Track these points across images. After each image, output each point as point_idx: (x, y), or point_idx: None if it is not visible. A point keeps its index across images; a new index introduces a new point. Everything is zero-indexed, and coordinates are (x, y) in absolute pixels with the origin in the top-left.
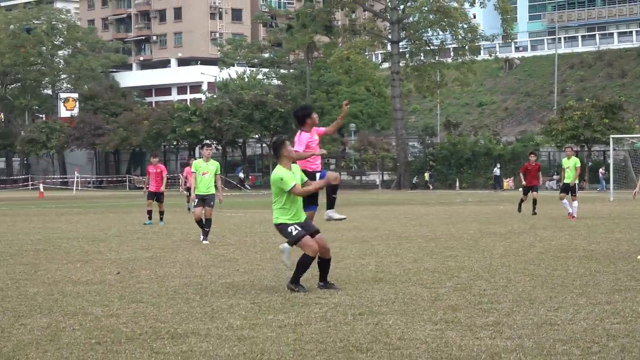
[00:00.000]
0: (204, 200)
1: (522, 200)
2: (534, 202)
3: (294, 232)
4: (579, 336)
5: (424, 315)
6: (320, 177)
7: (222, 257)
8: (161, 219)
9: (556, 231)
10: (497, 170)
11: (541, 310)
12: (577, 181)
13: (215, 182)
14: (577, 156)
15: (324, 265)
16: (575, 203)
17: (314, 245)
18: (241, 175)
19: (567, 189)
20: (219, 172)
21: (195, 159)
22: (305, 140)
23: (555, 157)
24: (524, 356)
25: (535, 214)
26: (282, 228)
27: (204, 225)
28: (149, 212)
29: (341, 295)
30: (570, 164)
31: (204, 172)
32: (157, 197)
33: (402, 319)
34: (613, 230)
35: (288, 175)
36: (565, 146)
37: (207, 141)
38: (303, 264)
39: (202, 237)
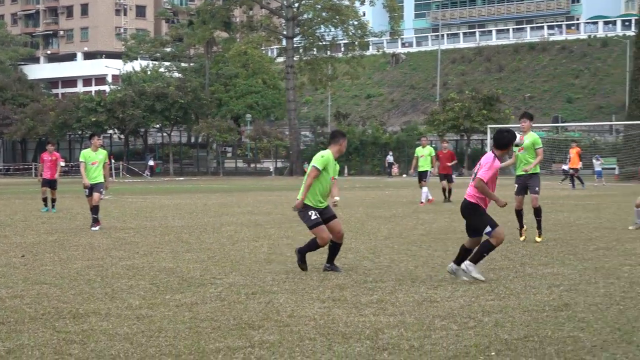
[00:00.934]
0: (93, 188)
1: (443, 189)
2: (449, 191)
3: (313, 217)
4: (456, 312)
5: (312, 293)
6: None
7: (122, 241)
8: (53, 206)
9: (437, 214)
10: (390, 158)
11: (422, 288)
12: (430, 169)
13: (103, 170)
14: (431, 146)
15: (335, 248)
16: (424, 189)
17: (326, 238)
18: (151, 162)
19: (423, 177)
20: (106, 161)
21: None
22: (496, 170)
23: (437, 145)
24: (405, 331)
25: (449, 201)
26: (305, 209)
27: (92, 212)
28: (44, 200)
29: (235, 276)
30: (425, 153)
31: (93, 161)
32: (50, 184)
33: (292, 298)
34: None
35: (329, 160)
36: (421, 136)
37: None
38: (310, 247)
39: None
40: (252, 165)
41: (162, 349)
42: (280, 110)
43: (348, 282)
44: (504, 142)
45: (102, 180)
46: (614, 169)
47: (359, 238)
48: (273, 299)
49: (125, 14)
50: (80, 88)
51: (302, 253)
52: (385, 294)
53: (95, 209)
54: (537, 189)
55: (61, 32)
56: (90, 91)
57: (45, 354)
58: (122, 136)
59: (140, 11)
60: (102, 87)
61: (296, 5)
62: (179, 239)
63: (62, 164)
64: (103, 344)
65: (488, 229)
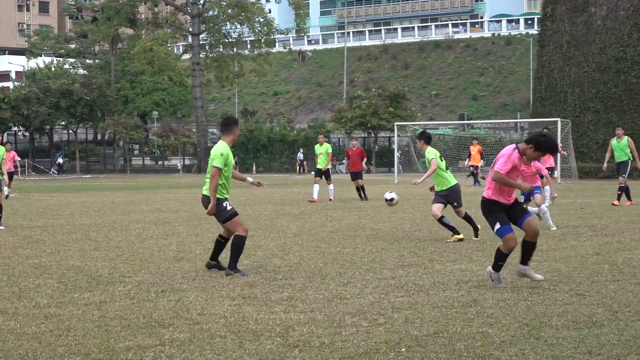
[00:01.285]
0: None
1: (357, 188)
2: (362, 188)
3: (229, 208)
4: (366, 309)
5: (222, 291)
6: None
7: (29, 239)
8: None
9: (345, 212)
10: (300, 155)
11: (332, 285)
12: (329, 166)
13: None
14: (329, 143)
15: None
16: (331, 187)
17: (246, 228)
18: (60, 160)
19: (321, 174)
20: (4, 158)
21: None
22: (516, 162)
23: (345, 142)
24: (315, 328)
25: (366, 199)
26: (217, 203)
27: None
28: None
29: (144, 274)
30: (322, 150)
31: None
32: None
33: (202, 295)
34: (397, 211)
35: (229, 154)
36: (319, 135)
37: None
38: (237, 245)
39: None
40: (160, 162)
41: (72, 348)
42: (187, 108)
43: (258, 279)
44: (544, 145)
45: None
46: None
47: (268, 235)
48: (183, 296)
49: (28, 10)
50: None
51: (233, 268)
52: (295, 291)
53: None
54: (455, 204)
55: None
56: None
57: None
58: (27, 133)
59: (44, 7)
60: (5, 84)
61: (201, 2)
62: (86, 237)
63: None
64: (11, 344)
65: (497, 226)
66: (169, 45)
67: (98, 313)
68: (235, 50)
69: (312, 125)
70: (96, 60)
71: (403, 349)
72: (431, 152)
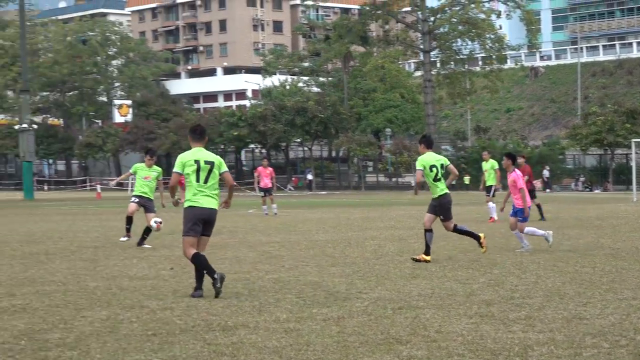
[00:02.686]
0: (144, 204)
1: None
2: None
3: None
4: (607, 330)
5: (459, 309)
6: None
7: (268, 254)
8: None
9: (582, 230)
10: (546, 172)
11: (570, 305)
12: (494, 182)
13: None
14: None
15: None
16: (490, 204)
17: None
18: (310, 177)
19: (489, 191)
20: (160, 178)
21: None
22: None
23: (580, 160)
24: (555, 348)
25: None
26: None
27: (126, 221)
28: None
29: (381, 290)
30: (488, 167)
31: (146, 176)
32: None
33: (439, 313)
34: (637, 229)
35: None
36: (483, 152)
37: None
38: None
39: (125, 237)
40: (394, 179)
41: None
42: (420, 125)
43: (495, 297)
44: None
45: (152, 197)
46: None
47: (503, 253)
48: (420, 314)
49: (262, 30)
50: (221, 103)
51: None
52: (533, 310)
53: (129, 220)
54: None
55: (201, 48)
56: (231, 106)
57: None
58: (263, 150)
59: (278, 27)
60: (242, 102)
61: (432, 19)
62: (323, 252)
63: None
64: (253, 357)
65: None
66: (400, 62)
67: (336, 328)
68: (466, 66)
69: (546, 142)
70: (329, 78)
71: None
72: (420, 162)
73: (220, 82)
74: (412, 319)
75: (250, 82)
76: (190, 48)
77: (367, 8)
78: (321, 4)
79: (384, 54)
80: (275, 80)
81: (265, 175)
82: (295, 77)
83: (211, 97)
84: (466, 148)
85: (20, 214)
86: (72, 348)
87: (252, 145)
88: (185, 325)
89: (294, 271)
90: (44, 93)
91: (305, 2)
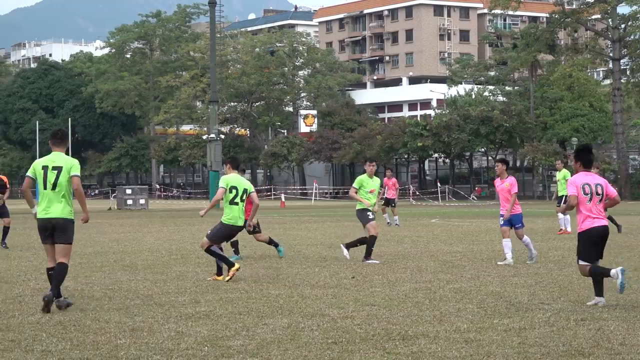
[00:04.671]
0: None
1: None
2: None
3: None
4: None
5: None
6: None
7: (449, 264)
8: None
9: None
10: None
11: None
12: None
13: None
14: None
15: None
16: (560, 215)
17: None
18: None
19: (561, 201)
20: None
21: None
22: None
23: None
24: None
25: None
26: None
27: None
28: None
29: (563, 302)
30: (560, 177)
31: (371, 189)
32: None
33: (623, 325)
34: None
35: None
36: (556, 161)
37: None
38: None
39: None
40: None
41: None
42: (608, 134)
43: None
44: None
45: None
46: None
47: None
48: (603, 325)
49: (449, 39)
50: (405, 112)
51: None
52: None
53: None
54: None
55: (387, 58)
56: (415, 115)
57: None
58: (447, 160)
59: (464, 36)
60: (426, 111)
61: (623, 26)
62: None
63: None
64: None
65: None
66: (588, 70)
67: (517, 339)
68: None
69: None
70: (515, 87)
71: None
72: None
73: (405, 92)
74: (595, 330)
75: (436, 92)
76: (377, 58)
77: (556, 16)
78: (509, 12)
79: (572, 62)
80: (461, 89)
81: (389, 187)
82: (480, 86)
83: (396, 106)
84: None
85: (208, 222)
86: (254, 355)
87: (435, 155)
88: (365, 334)
89: (475, 281)
90: (232, 104)
91: (493, 11)
